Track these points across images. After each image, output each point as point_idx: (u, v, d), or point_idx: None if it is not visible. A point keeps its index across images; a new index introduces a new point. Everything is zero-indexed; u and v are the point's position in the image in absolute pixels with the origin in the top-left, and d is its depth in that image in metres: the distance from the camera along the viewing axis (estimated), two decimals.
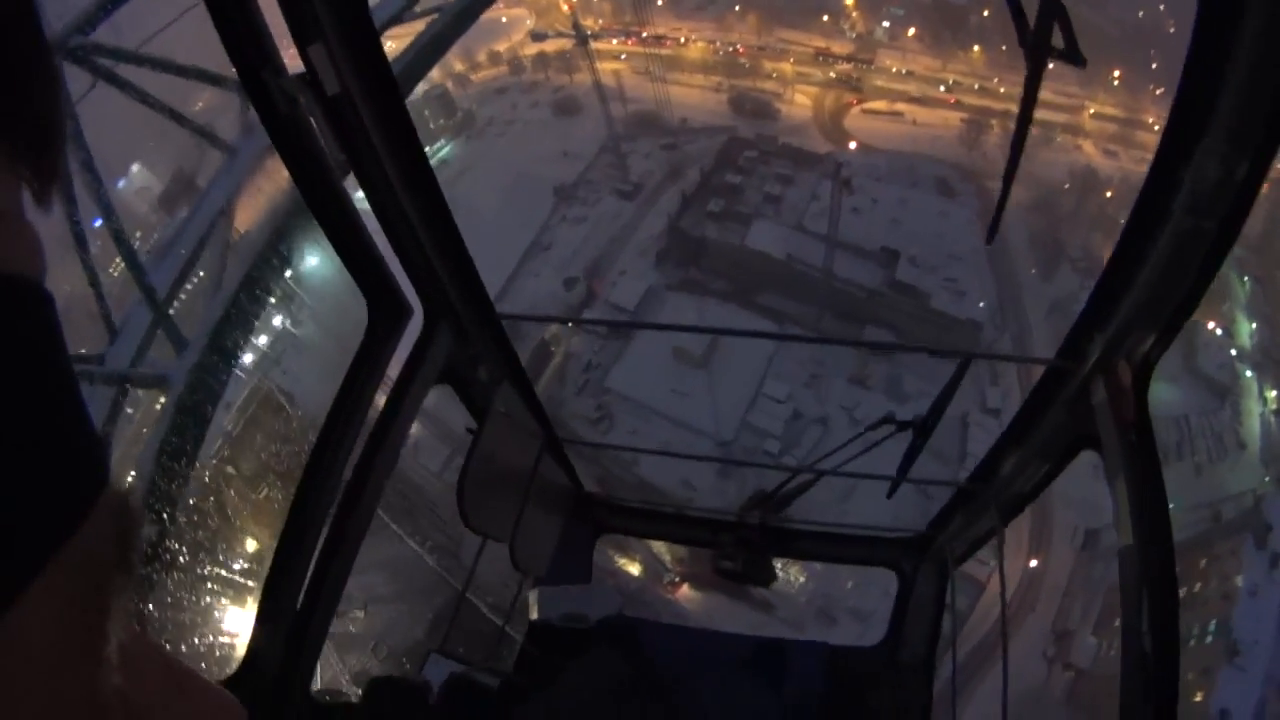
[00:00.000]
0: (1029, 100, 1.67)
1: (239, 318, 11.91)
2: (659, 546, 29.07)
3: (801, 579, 31.08)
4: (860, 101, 43.78)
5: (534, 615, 3.15)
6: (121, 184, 30.65)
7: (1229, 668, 23.81)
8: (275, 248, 12.64)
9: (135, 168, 31.75)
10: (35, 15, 0.37)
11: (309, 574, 1.99)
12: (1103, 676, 25.62)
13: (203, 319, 11.85)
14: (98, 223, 12.63)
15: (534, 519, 3.26)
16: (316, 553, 1.99)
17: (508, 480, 2.97)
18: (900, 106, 43.90)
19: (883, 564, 3.82)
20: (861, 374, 32.88)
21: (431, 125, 40.68)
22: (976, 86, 44.09)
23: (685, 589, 29.49)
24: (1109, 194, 40.17)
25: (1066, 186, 41.42)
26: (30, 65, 0.37)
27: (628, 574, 29.42)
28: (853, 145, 41.01)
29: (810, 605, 31.28)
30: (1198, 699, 23.85)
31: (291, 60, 1.52)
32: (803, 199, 36.12)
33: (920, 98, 44.19)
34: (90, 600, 0.39)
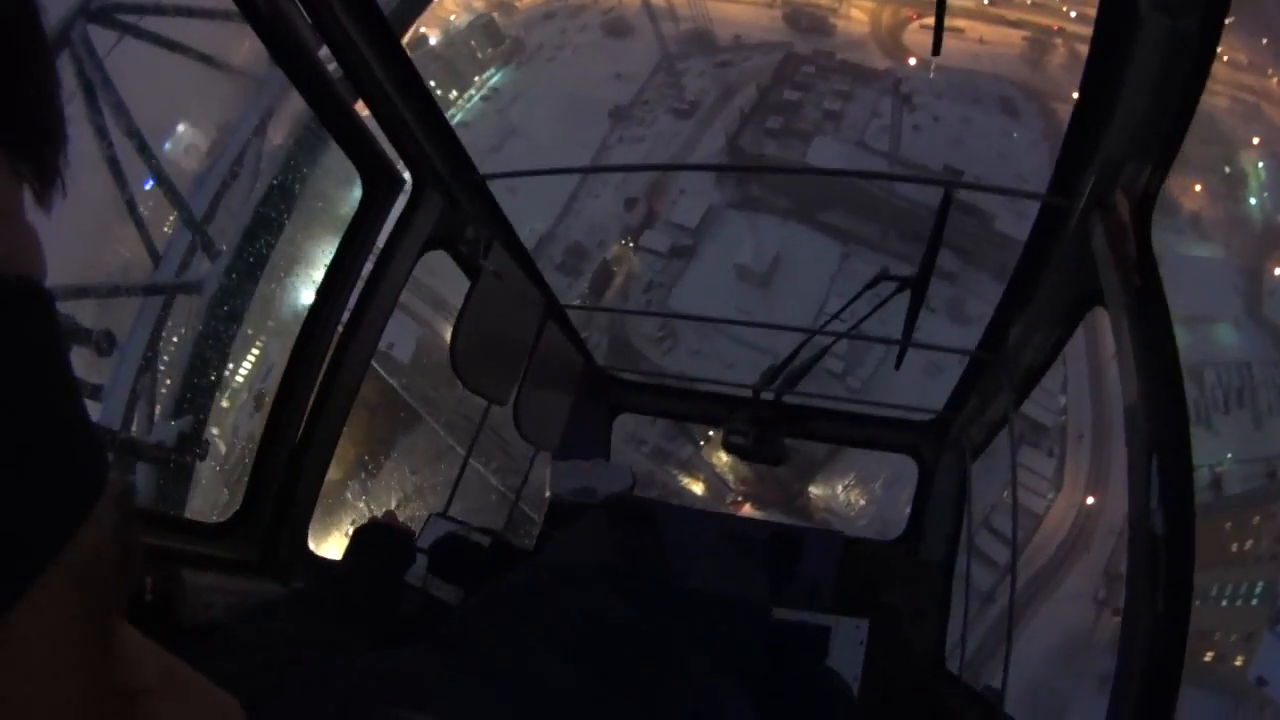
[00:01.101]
0: None
1: (265, 224, 12.41)
2: (722, 466, 29.27)
3: (861, 502, 31.15)
4: (920, 16, 41.70)
5: (548, 491, 3.08)
6: (168, 145, 30.94)
7: (1271, 634, 22.87)
8: (297, 159, 13.26)
9: (181, 127, 31.94)
10: (34, 12, 0.36)
11: (300, 429, 2.09)
12: None
13: (232, 229, 12.34)
14: (149, 184, 13.24)
15: (541, 389, 3.28)
16: (307, 411, 2.10)
17: (509, 344, 2.97)
18: (961, 23, 41.72)
19: (900, 449, 3.62)
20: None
21: (479, 55, 39.97)
22: (1029, 1, 41.62)
23: (748, 508, 29.77)
24: None
25: None
26: (29, 64, 0.36)
27: (692, 493, 29.76)
28: (912, 61, 39.20)
29: (870, 528, 31.34)
30: (1238, 663, 23.19)
31: None
32: (863, 115, 34.90)
33: (979, 13, 41.93)
34: (90, 600, 0.39)
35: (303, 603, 1.31)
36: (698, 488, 29.50)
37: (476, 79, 38.64)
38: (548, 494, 3.06)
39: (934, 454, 3.44)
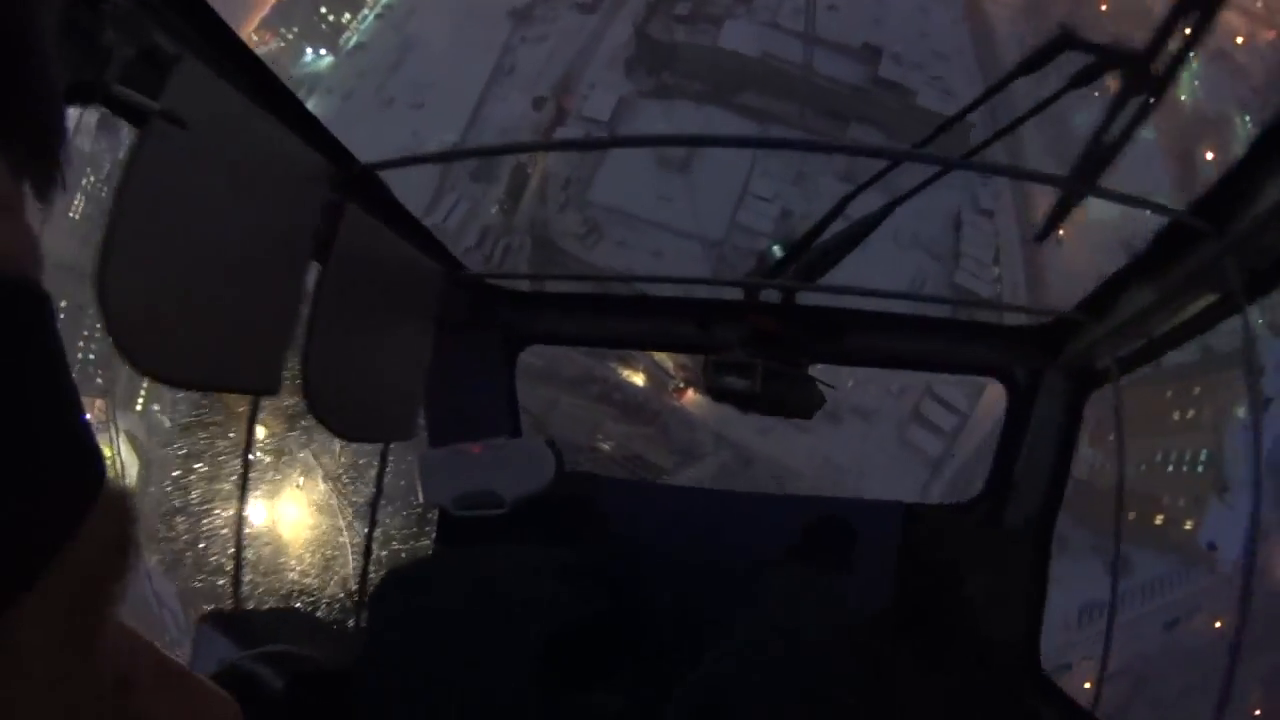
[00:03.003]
0: None
1: None
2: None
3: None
4: None
5: (422, 497, 2.04)
6: None
7: (1218, 500, 23.92)
8: None
9: None
10: (35, 9, 0.36)
11: None
12: (1099, 489, 25.12)
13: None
14: None
15: (356, 339, 1.72)
16: None
17: (256, 261, 1.37)
18: None
19: (985, 371, 2.50)
20: (851, 169, 32.02)
21: None
22: None
23: (690, 394, 29.66)
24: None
25: None
26: (31, 59, 0.36)
27: (633, 385, 29.63)
28: None
29: (830, 403, 31.51)
30: (1188, 526, 24.28)
31: None
32: None
33: None
34: (88, 602, 0.39)
35: None
36: (638, 379, 29.43)
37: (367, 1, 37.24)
38: (418, 499, 2.05)
39: (1035, 375, 2.34)
